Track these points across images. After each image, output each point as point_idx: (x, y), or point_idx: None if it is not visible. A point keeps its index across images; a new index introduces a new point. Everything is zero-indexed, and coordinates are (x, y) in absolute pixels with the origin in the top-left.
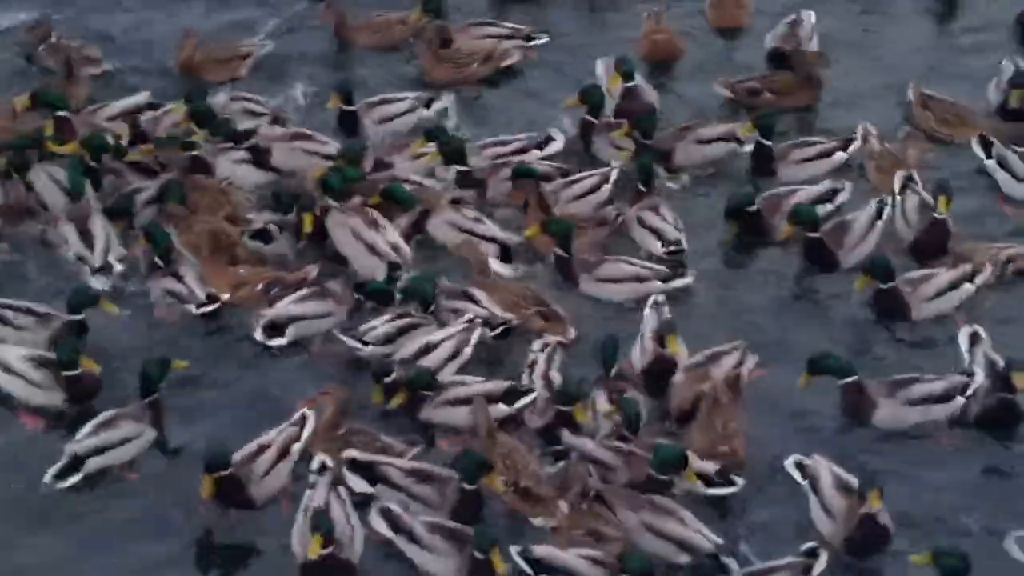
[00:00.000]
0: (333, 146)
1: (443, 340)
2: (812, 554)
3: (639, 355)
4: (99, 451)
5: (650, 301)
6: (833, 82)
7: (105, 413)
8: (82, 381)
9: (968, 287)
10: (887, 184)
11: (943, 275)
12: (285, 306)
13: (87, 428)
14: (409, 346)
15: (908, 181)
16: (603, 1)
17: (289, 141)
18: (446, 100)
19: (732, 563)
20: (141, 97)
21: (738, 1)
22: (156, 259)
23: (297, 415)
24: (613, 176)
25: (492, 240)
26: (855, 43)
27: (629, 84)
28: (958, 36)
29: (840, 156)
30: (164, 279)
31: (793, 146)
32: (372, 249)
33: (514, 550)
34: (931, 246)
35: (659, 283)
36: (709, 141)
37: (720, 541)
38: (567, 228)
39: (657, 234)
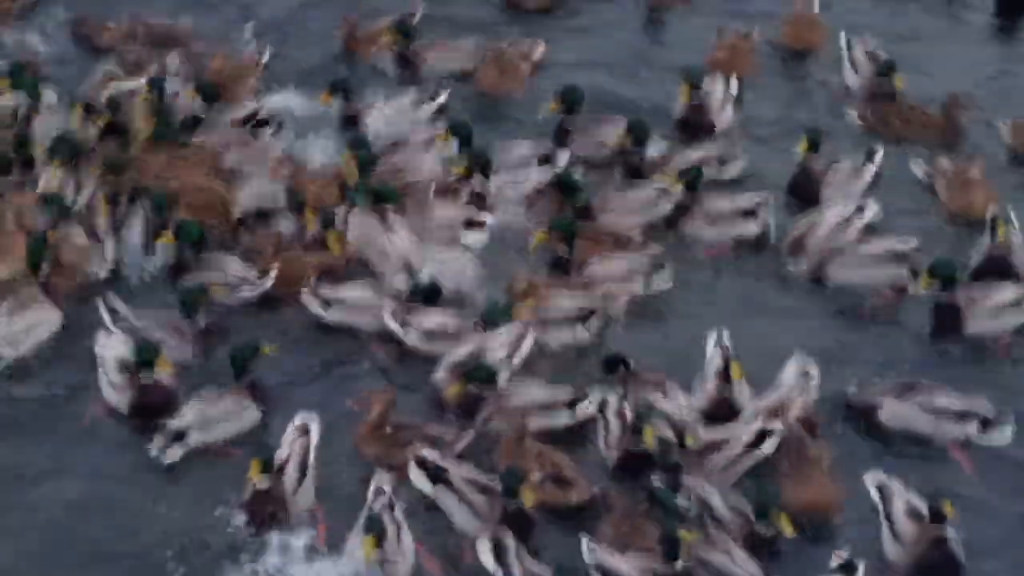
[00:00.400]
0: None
1: (496, 343)
2: (849, 567)
3: (700, 393)
4: (202, 426)
5: (713, 339)
6: None
7: (208, 390)
8: (152, 390)
9: None
10: (958, 202)
11: (1009, 290)
12: (341, 287)
13: (191, 404)
14: (461, 349)
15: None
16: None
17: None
18: (445, 94)
19: None
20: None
21: (812, 21)
22: (186, 254)
23: (299, 422)
24: (677, 193)
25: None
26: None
27: (695, 99)
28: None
29: (870, 169)
30: (207, 274)
31: (831, 163)
32: (384, 252)
33: (585, 538)
34: (993, 273)
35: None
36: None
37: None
38: (571, 227)
39: (742, 213)
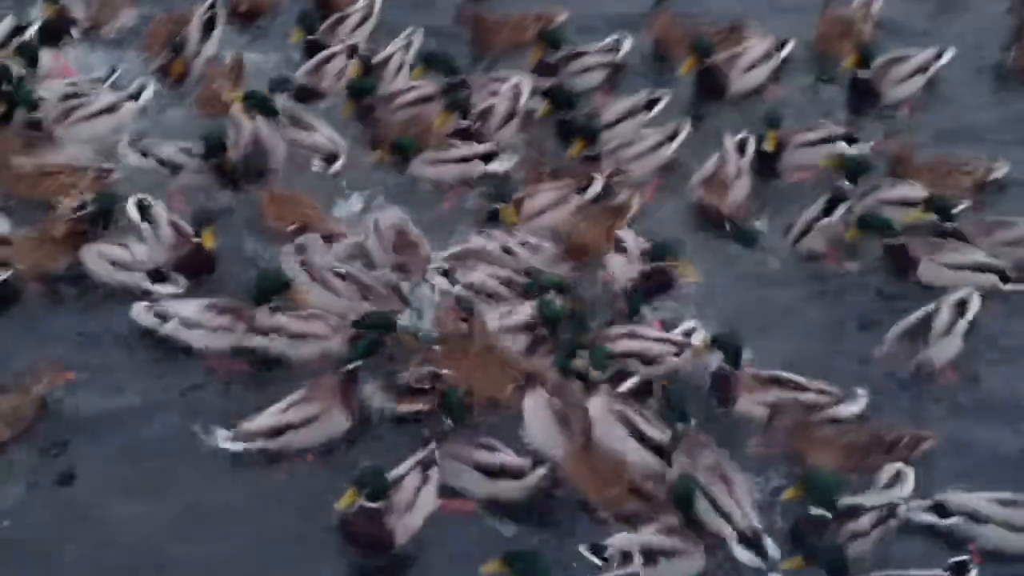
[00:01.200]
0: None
1: (515, 316)
2: (962, 568)
3: None
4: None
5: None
6: None
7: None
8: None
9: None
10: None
11: (972, 253)
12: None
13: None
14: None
15: None
16: None
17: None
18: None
19: (770, 546)
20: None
21: (840, 29)
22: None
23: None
24: (683, 134)
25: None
26: None
27: (705, 63)
28: None
29: (842, 147)
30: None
31: (796, 130)
32: (302, 146)
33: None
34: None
35: (576, 195)
36: (610, 125)
37: (757, 526)
38: (413, 145)
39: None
